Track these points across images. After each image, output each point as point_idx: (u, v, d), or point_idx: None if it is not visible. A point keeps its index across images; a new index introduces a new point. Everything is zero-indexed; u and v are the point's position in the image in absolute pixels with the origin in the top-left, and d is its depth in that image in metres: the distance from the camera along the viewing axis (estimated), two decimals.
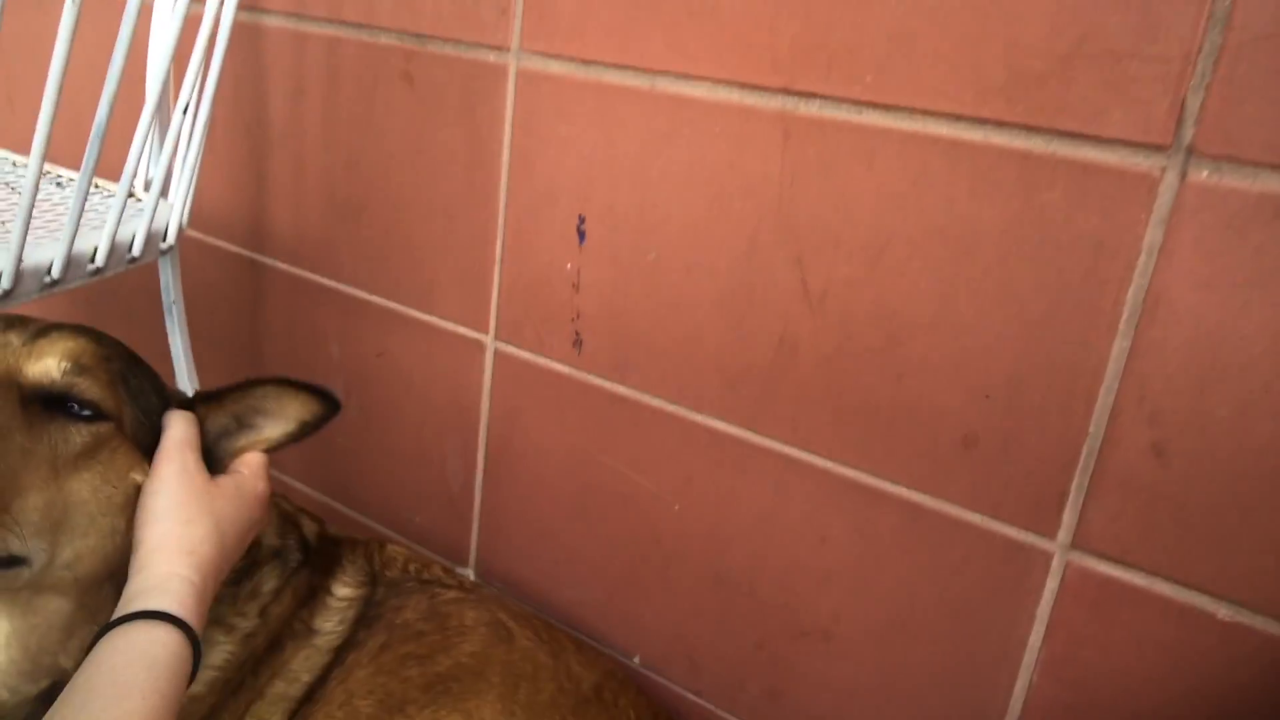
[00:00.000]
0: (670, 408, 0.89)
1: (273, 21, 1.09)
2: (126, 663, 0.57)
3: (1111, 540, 0.69)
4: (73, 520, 0.65)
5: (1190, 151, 0.62)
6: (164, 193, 0.97)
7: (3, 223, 0.94)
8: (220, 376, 1.29)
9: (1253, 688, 0.66)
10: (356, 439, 1.16)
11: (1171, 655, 0.67)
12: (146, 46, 1.05)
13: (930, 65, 0.69)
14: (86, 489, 0.66)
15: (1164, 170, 0.63)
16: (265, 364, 1.25)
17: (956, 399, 0.73)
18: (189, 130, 0.98)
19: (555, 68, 0.88)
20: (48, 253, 0.84)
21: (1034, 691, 0.74)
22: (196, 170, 1.00)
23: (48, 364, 0.67)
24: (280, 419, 0.77)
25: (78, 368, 0.68)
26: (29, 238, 0.80)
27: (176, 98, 0.94)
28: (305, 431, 0.77)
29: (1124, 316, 0.66)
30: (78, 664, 0.67)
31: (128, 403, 0.70)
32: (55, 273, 0.84)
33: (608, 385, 0.93)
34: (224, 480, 0.72)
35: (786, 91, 0.76)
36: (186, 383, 1.12)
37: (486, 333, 1.01)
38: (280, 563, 0.83)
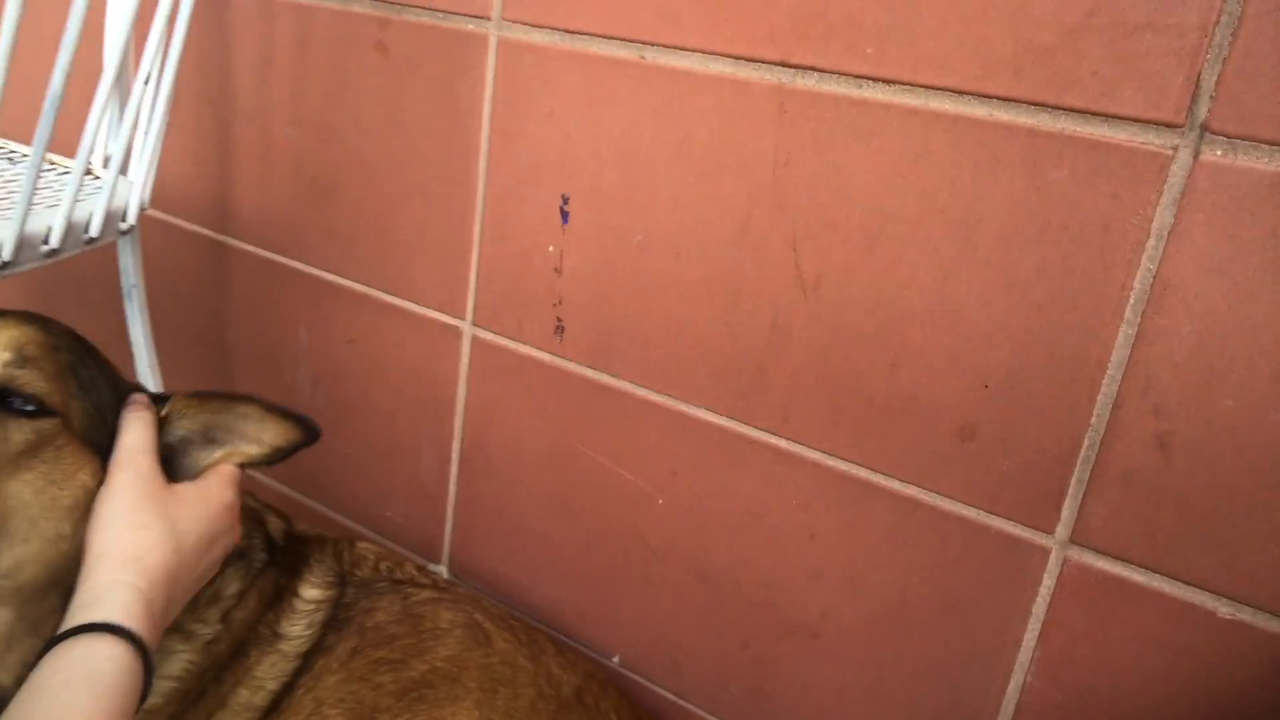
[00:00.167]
0: (656, 397, 0.86)
1: None
2: (65, 683, 0.53)
3: (1111, 536, 0.66)
4: (12, 525, 0.61)
5: (1204, 130, 0.59)
6: (124, 169, 0.92)
7: None
8: (183, 364, 1.24)
9: (1252, 686, 0.63)
10: (326, 431, 1.11)
11: (1170, 653, 0.65)
12: (104, 11, 1.00)
13: (933, 38, 0.66)
14: (28, 491, 0.61)
15: (1176, 149, 0.60)
16: (230, 351, 1.20)
17: (954, 389, 0.70)
18: (150, 102, 0.93)
19: (539, 38, 0.85)
20: None
21: (1027, 691, 0.71)
22: (159, 146, 0.95)
23: None
24: (254, 442, 0.73)
25: (20, 359, 0.63)
26: None
27: (137, 68, 0.89)
28: (279, 457, 0.74)
29: (1130, 303, 0.63)
30: (18, 680, 0.62)
31: (77, 396, 0.66)
32: (6, 254, 0.78)
33: (590, 374, 0.89)
34: (184, 487, 0.68)
35: (782, 65, 0.73)
36: (148, 372, 1.07)
37: (463, 318, 0.97)
38: (244, 564, 0.78)
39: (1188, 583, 0.64)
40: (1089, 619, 0.67)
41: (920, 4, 0.66)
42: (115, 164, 0.90)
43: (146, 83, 0.88)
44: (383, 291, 1.03)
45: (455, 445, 1.01)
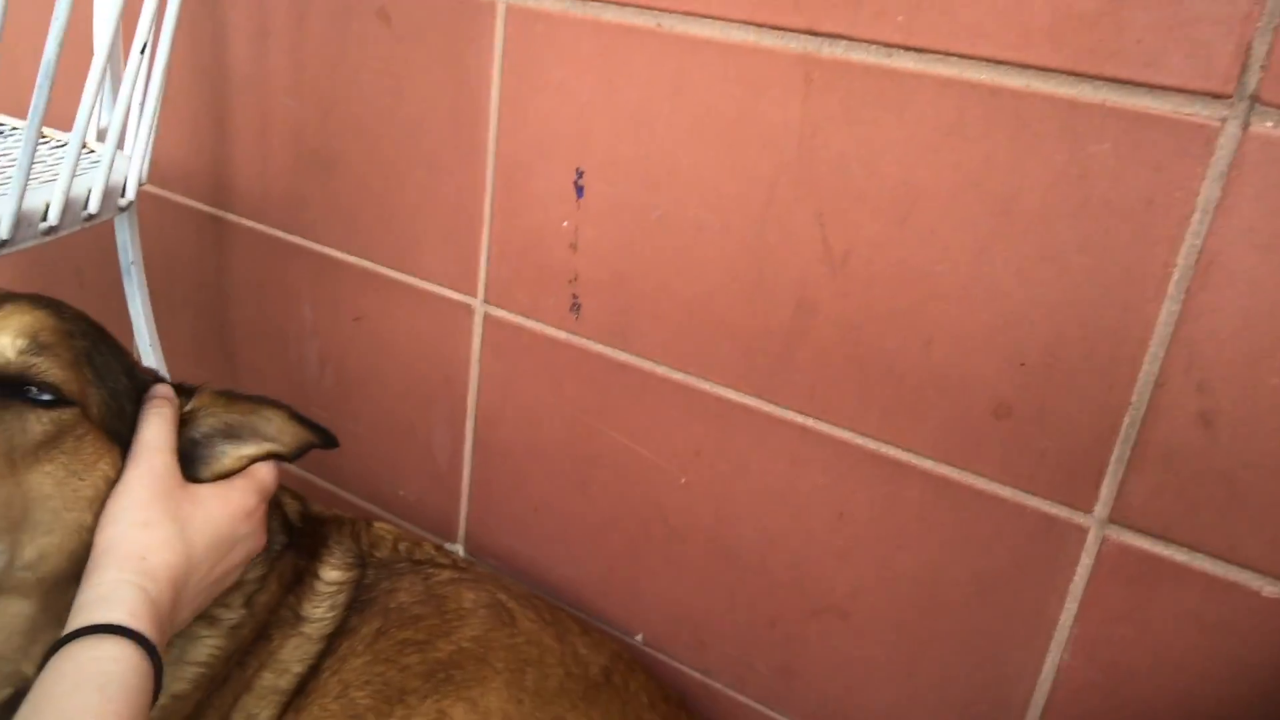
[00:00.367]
0: (677, 376, 0.84)
1: None
2: (74, 686, 0.51)
3: (1152, 515, 0.65)
4: (34, 517, 0.59)
5: (1254, 100, 0.57)
6: (119, 143, 0.89)
7: None
8: (184, 343, 1.22)
9: None
10: (334, 409, 1.10)
11: (1212, 633, 0.65)
12: None
13: (968, 5, 0.64)
14: (49, 482, 0.60)
15: (1224, 121, 0.58)
16: (232, 328, 1.17)
17: (989, 367, 0.69)
18: (146, 73, 0.89)
19: (549, 5, 0.81)
20: None
21: (1064, 670, 0.71)
22: (156, 118, 0.92)
23: (1, 342, 0.60)
24: (274, 442, 0.73)
25: (35, 345, 0.61)
26: None
27: (132, 37, 0.85)
28: (295, 457, 0.74)
29: (1174, 279, 0.62)
30: (43, 661, 0.62)
31: (94, 384, 0.64)
32: (4, 232, 0.76)
33: (609, 352, 0.87)
34: (203, 489, 0.66)
35: (809, 32, 0.70)
36: (149, 350, 1.05)
37: (475, 296, 0.95)
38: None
39: (1231, 562, 0.63)
40: (1128, 598, 0.67)
41: None
42: (113, 136, 0.87)
43: (143, 52, 0.85)
44: (389, 268, 1.00)
45: (469, 424, 1.00)
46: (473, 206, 0.92)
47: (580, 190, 0.85)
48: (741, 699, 0.88)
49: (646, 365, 0.86)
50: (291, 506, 0.84)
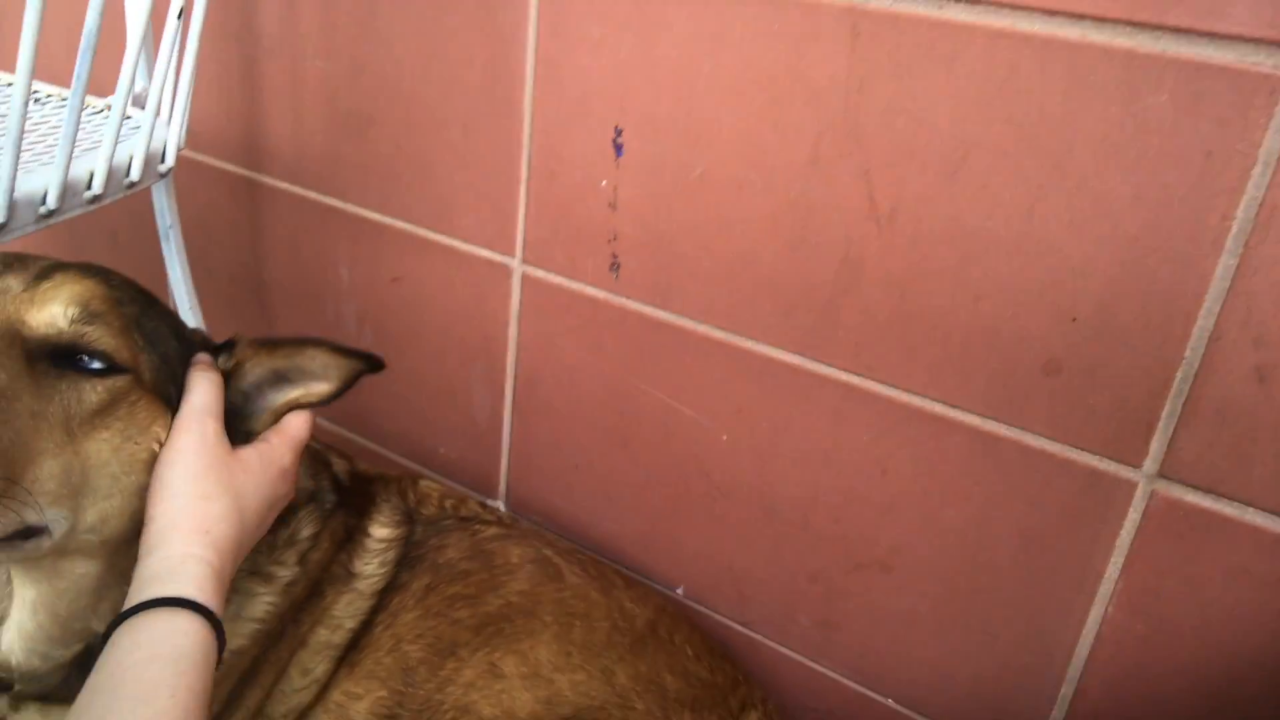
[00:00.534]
0: (718, 334, 0.84)
1: None
2: (149, 658, 0.53)
3: (1204, 469, 0.65)
4: (94, 483, 0.60)
5: None
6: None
7: None
8: (222, 304, 1.23)
9: None
10: None
11: (1262, 586, 0.65)
12: None
13: None
14: (107, 449, 0.61)
15: None
16: (270, 289, 1.18)
17: (1039, 323, 0.68)
18: (182, 38, 0.89)
19: None
20: (39, 180, 0.76)
21: (1108, 622, 0.71)
22: (192, 83, 0.92)
23: (53, 312, 0.60)
24: (323, 380, 0.72)
25: (87, 314, 0.61)
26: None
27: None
28: (346, 389, 0.73)
29: (1232, 232, 0.61)
30: (111, 628, 0.63)
31: (144, 350, 0.64)
32: (51, 202, 0.76)
33: (649, 311, 0.88)
34: (247, 452, 0.67)
35: None
36: (189, 313, 1.06)
37: (513, 256, 0.95)
38: (316, 506, 0.78)
39: None
40: (1176, 552, 0.67)
41: None
42: (153, 103, 0.87)
43: (179, 17, 0.85)
44: (426, 229, 1.01)
45: (508, 383, 1.00)
46: (509, 167, 0.91)
47: (619, 149, 0.84)
48: (783, 650, 0.90)
49: (687, 324, 0.86)
50: (340, 466, 0.86)
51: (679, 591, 0.95)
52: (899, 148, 0.70)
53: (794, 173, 0.76)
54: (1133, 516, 0.69)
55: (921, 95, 0.69)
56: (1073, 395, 0.69)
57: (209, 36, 1.07)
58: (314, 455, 0.83)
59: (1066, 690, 0.75)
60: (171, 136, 0.92)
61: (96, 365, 0.61)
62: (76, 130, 0.74)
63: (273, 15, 1.03)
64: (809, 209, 0.76)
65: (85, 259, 0.69)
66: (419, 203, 1.00)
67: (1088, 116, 0.63)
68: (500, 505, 1.07)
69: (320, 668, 0.76)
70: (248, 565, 0.71)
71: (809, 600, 0.87)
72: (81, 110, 0.74)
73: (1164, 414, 0.66)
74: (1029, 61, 0.64)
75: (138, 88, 1.01)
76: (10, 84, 0.99)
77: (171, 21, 0.84)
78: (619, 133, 0.84)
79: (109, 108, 0.96)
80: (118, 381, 0.61)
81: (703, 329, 0.85)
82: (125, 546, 0.63)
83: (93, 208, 0.84)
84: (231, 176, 1.15)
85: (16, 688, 0.65)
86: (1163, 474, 0.67)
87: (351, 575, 0.80)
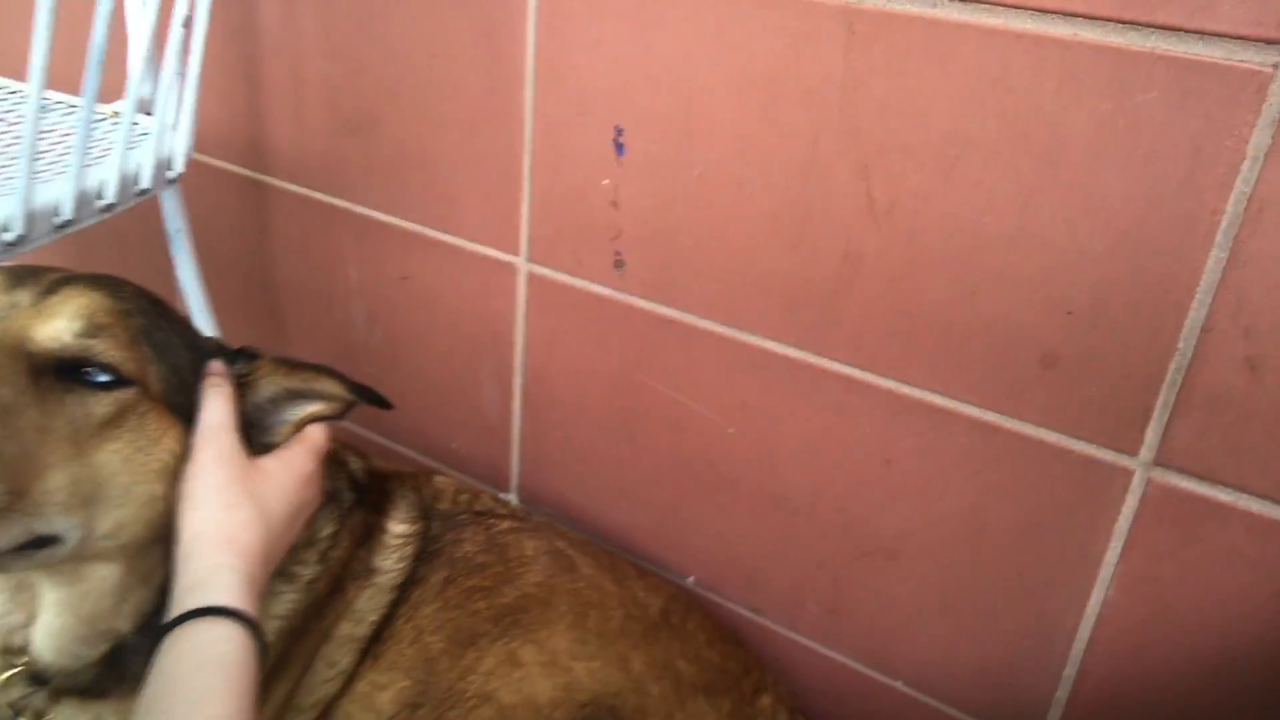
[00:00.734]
0: (721, 330, 0.86)
1: None
2: (196, 667, 0.56)
3: (1198, 457, 0.67)
4: (106, 493, 0.62)
5: None
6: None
7: None
8: (230, 306, 1.24)
9: None
10: (385, 367, 1.13)
11: (1256, 569, 0.67)
12: None
13: None
14: (116, 460, 0.62)
15: (1277, 67, 0.58)
16: (279, 290, 1.20)
17: (1035, 316, 0.70)
18: (186, 46, 0.90)
19: None
20: (53, 192, 0.78)
21: (1109, 605, 0.74)
22: (198, 88, 0.93)
23: (58, 326, 0.61)
24: (331, 401, 0.75)
25: (92, 328, 0.62)
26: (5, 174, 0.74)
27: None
28: (346, 412, 0.76)
29: (1222, 226, 0.62)
30: (136, 627, 0.66)
31: (153, 361, 0.65)
32: (67, 213, 0.78)
33: (653, 307, 0.89)
34: (266, 461, 0.69)
35: None
36: (199, 315, 1.08)
37: (518, 254, 0.96)
38: (334, 505, 0.80)
39: (1276, 501, 0.65)
40: (1172, 537, 0.69)
41: None
42: (161, 110, 0.88)
43: (185, 26, 0.86)
44: (431, 228, 1.02)
45: (517, 379, 1.02)
46: (512, 166, 0.93)
47: (620, 148, 0.85)
48: (793, 636, 0.93)
49: (691, 320, 0.87)
50: (356, 464, 0.88)
51: (690, 580, 0.98)
52: (896, 145, 0.72)
53: (793, 170, 0.77)
54: (1130, 503, 0.71)
55: (917, 93, 0.70)
56: (1069, 386, 0.70)
57: (212, 38, 1.08)
58: (330, 455, 0.85)
59: (1070, 670, 0.77)
60: (180, 144, 0.93)
61: (103, 378, 0.62)
62: (86, 142, 0.76)
63: (273, 17, 1.04)
64: (808, 206, 0.77)
65: (93, 263, 0.70)
66: (424, 202, 1.01)
67: (1080, 113, 0.64)
68: (513, 498, 1.09)
69: (345, 660, 0.78)
70: None
71: (817, 587, 0.89)
72: (91, 120, 0.75)
73: (1158, 404, 0.67)
74: (1022, 59, 0.65)
75: (142, 93, 1.02)
76: (7, 89, 1.01)
77: (176, 30, 0.86)
78: (620, 132, 0.85)
79: (114, 114, 0.98)
80: (125, 394, 0.62)
81: (706, 324, 0.87)
82: (144, 551, 0.65)
83: (105, 216, 0.85)
84: (237, 178, 1.17)
85: (53, 683, 0.68)
86: (1158, 462, 0.69)
87: (372, 571, 0.82)
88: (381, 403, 0.77)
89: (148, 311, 0.68)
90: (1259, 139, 0.60)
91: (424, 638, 0.80)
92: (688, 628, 0.85)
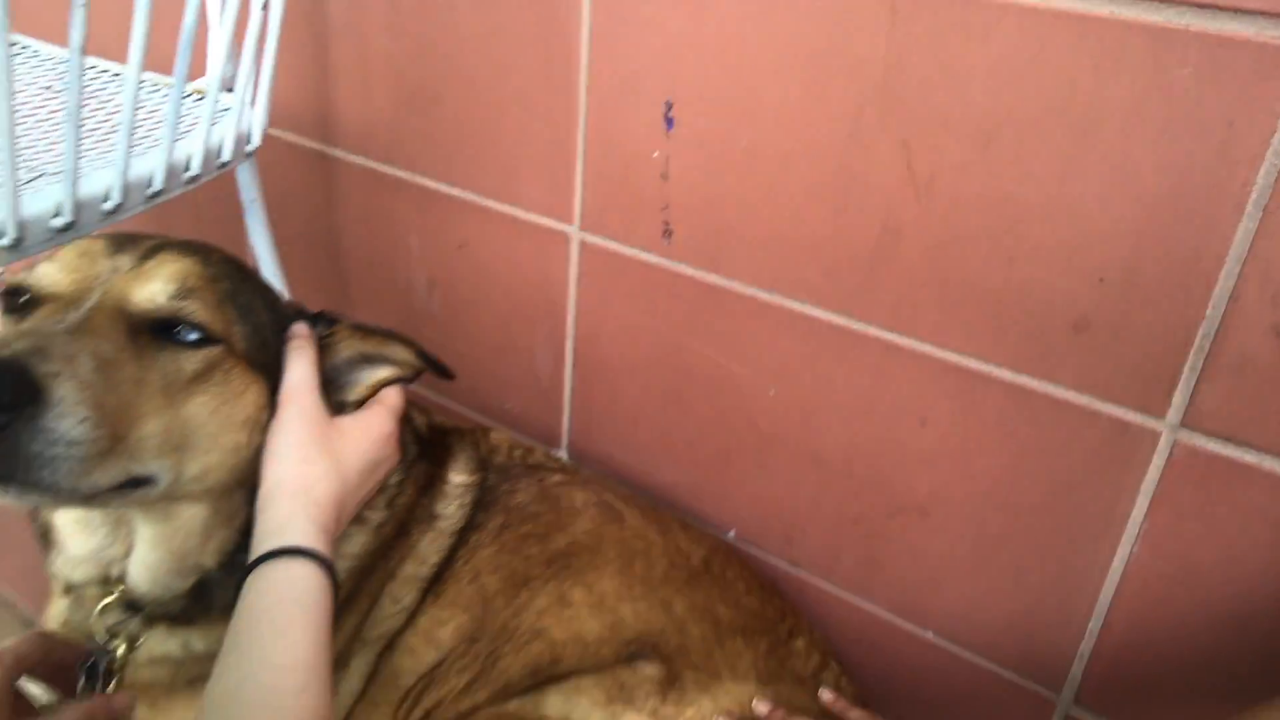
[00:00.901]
0: (765, 296, 0.90)
1: None
2: (277, 600, 0.63)
3: (1223, 419, 0.70)
4: (194, 440, 0.68)
5: None
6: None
7: (55, 125, 0.93)
8: (299, 273, 1.31)
9: None
10: (443, 330, 1.19)
11: (1277, 528, 0.70)
12: None
13: None
14: (204, 411, 0.68)
15: None
16: (345, 257, 1.26)
17: (1069, 283, 0.73)
18: (264, 27, 0.96)
19: None
20: (146, 165, 0.84)
21: (1134, 562, 0.77)
22: (274, 69, 0.99)
23: (153, 289, 0.68)
24: (402, 365, 0.81)
25: (184, 290, 0.68)
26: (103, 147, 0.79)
27: None
28: (417, 377, 0.83)
29: (1252, 197, 0.64)
30: (220, 564, 0.73)
31: (238, 322, 0.72)
32: (158, 184, 0.84)
33: (700, 275, 0.93)
34: (345, 421, 0.76)
35: None
36: (272, 281, 1.14)
37: (571, 223, 1.01)
38: (400, 457, 0.86)
39: None
40: (1197, 497, 0.72)
41: None
42: (241, 88, 0.94)
43: (264, 8, 0.91)
44: (489, 198, 1.07)
45: (569, 343, 1.07)
46: (567, 139, 0.97)
47: (670, 122, 0.89)
48: (829, 587, 0.97)
49: (736, 286, 0.91)
50: (420, 420, 0.94)
51: (731, 534, 1.03)
52: (936, 120, 0.75)
53: (835, 144, 0.80)
54: (1157, 463, 0.74)
55: (957, 70, 0.73)
56: (1100, 351, 0.73)
57: (284, 21, 1.14)
58: None
59: (1094, 624, 0.81)
60: (257, 119, 0.99)
61: (193, 336, 0.68)
62: (177, 117, 0.82)
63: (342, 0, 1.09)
64: (851, 178, 0.80)
65: (173, 232, 0.76)
66: (482, 174, 1.06)
67: (1115, 88, 0.67)
68: (563, 455, 1.15)
69: (409, 597, 0.85)
70: None
71: (852, 542, 0.93)
72: (181, 97, 0.81)
73: (1186, 368, 0.70)
74: (1059, 36, 0.68)
75: (224, 72, 1.08)
76: (50, 57, 1.07)
77: (255, 13, 0.91)
78: (670, 106, 0.89)
79: (197, 92, 1.04)
80: (212, 351, 0.69)
81: (751, 291, 0.91)
82: (228, 494, 0.72)
83: (190, 188, 0.92)
84: (306, 151, 1.23)
85: (146, 610, 0.75)
86: (1185, 424, 0.72)
87: (434, 517, 0.88)
88: (446, 373, 0.83)
89: (233, 276, 0.74)
90: None
91: (481, 578, 0.86)
92: (728, 576, 0.90)
